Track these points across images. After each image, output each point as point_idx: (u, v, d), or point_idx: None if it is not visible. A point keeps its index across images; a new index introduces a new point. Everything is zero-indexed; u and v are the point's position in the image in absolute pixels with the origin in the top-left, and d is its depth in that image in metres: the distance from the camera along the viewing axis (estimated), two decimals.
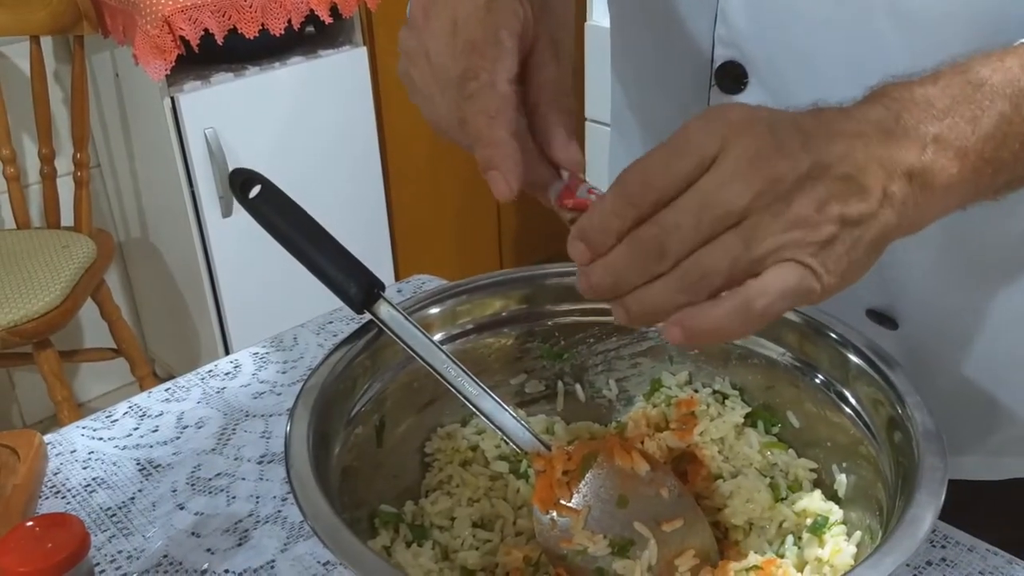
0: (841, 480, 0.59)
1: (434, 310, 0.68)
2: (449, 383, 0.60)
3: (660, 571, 0.56)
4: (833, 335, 0.61)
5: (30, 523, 0.59)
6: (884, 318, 0.70)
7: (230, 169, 2.00)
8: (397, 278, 2.33)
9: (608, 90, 0.86)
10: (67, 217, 2.09)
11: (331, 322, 0.98)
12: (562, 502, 0.58)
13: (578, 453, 0.60)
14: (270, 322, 1.43)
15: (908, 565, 0.67)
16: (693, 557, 0.56)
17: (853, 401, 0.59)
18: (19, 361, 2.03)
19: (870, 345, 0.59)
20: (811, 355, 0.62)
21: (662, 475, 0.59)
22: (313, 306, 0.96)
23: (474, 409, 0.60)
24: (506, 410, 0.61)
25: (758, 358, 0.66)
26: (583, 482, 0.59)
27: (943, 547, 0.69)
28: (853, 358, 0.59)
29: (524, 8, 0.53)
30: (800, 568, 0.56)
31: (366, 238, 2.34)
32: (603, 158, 0.92)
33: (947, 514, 0.71)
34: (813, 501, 0.59)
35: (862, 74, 0.59)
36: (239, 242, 2.11)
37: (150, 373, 2.15)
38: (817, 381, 0.62)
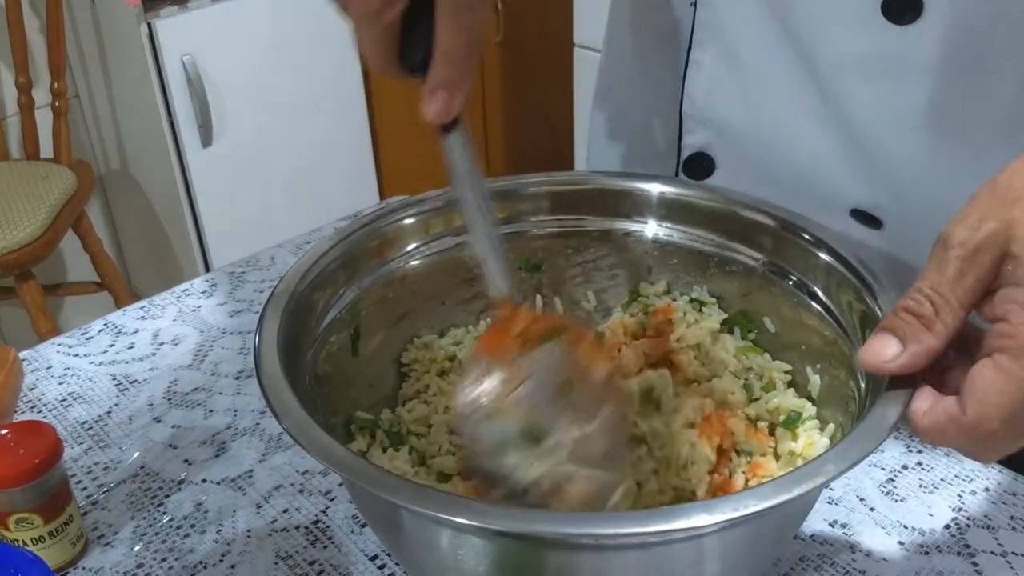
0: (815, 381, 0.59)
1: (408, 221, 0.67)
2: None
3: (551, 479, 0.50)
4: (806, 236, 0.60)
5: (3, 431, 0.59)
6: (869, 218, 0.70)
7: (208, 97, 1.98)
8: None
9: (594, 15, 0.85)
10: (46, 149, 2.06)
11: (308, 242, 0.97)
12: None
13: (546, 322, 0.54)
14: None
15: (883, 469, 0.68)
16: (588, 480, 0.50)
17: (827, 301, 0.59)
18: (2, 296, 2.03)
19: (843, 243, 0.59)
20: (786, 257, 0.62)
21: (615, 404, 0.53)
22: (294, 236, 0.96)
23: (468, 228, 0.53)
24: (499, 253, 0.53)
25: (735, 265, 0.65)
26: (537, 350, 0.52)
27: (919, 452, 0.69)
28: (826, 257, 0.58)
29: None
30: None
31: (350, 163, 2.32)
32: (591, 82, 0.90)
33: None
34: (787, 399, 0.59)
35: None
36: (220, 172, 2.08)
37: None
38: (792, 284, 0.62)
